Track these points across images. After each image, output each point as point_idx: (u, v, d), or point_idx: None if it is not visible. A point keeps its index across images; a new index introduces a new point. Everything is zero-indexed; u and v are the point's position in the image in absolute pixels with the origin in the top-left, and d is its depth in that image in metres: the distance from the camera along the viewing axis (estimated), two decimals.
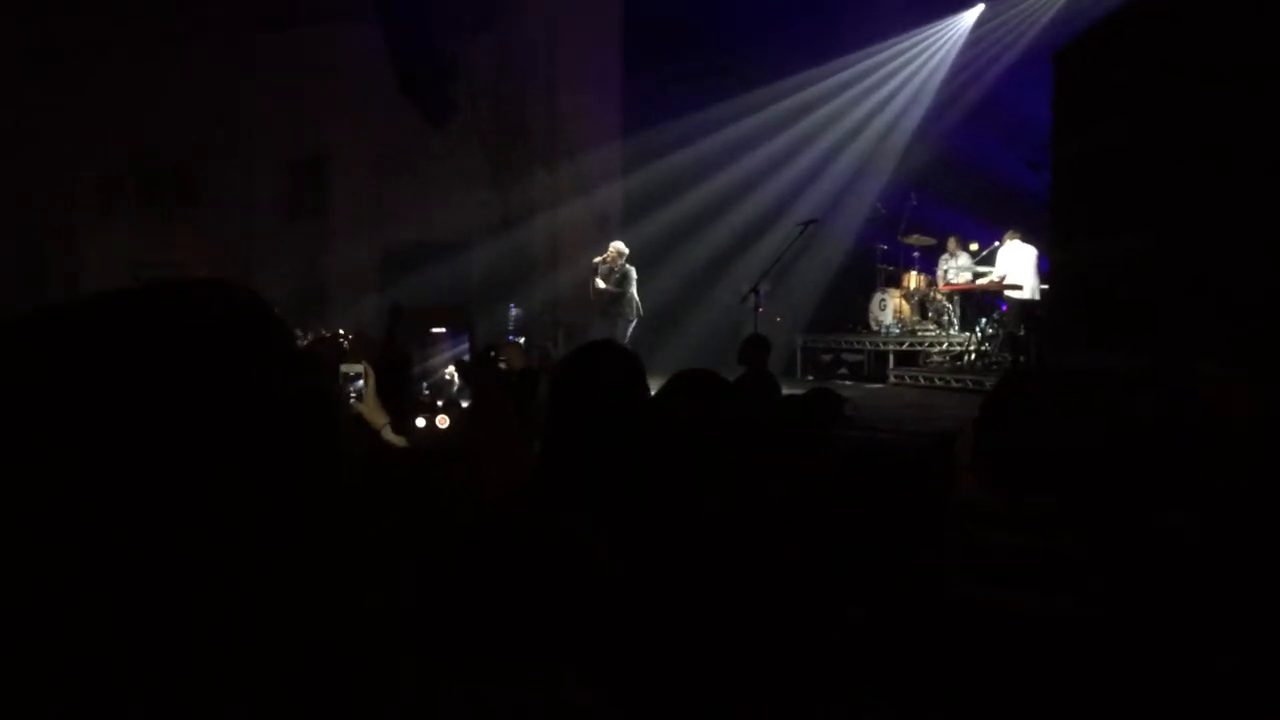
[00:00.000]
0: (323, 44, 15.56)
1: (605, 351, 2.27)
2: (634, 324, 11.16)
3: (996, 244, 12.14)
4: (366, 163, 16.11)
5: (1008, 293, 11.59)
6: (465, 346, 8.19)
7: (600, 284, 11.18)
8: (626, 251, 11.28)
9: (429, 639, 0.67)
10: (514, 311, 13.67)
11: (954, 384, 11.03)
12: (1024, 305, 11.30)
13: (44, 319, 0.62)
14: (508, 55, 15.88)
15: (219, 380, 0.61)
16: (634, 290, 11.14)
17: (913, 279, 13.46)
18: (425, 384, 8.27)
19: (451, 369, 8.15)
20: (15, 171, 16.20)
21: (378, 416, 2.94)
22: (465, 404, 6.99)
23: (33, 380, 0.57)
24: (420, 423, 6.09)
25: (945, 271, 13.10)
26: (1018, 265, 11.63)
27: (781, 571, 2.42)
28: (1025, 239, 11.55)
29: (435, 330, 8.38)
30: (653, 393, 2.32)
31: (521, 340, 10.47)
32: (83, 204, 16.71)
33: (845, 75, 14.81)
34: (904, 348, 12.90)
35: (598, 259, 11.34)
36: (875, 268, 13.91)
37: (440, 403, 6.89)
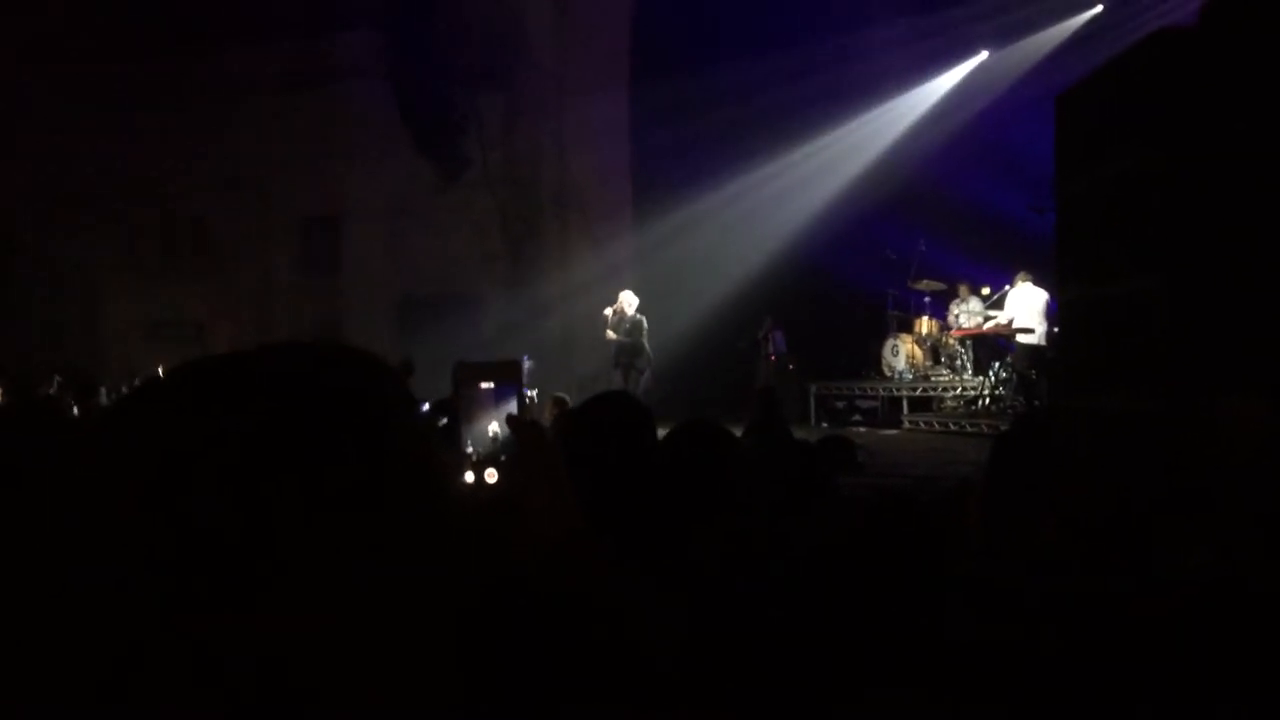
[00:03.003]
0: (336, 100, 15.83)
1: (613, 404, 2.32)
2: (647, 373, 11.20)
3: (1007, 287, 12.20)
4: (381, 217, 16.30)
5: (1018, 337, 11.61)
6: (513, 401, 8.18)
7: (611, 334, 11.25)
8: (636, 301, 11.35)
9: (478, 692, 0.71)
10: (528, 363, 13.73)
11: (969, 428, 11.02)
12: (1032, 349, 11.33)
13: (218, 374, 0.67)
14: (518, 108, 16.13)
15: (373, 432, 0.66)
16: (645, 340, 11.20)
17: (924, 324, 13.49)
18: (470, 440, 8.22)
19: (495, 426, 8.13)
20: (38, 228, 16.49)
21: None
22: (504, 459, 7.00)
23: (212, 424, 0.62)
24: (469, 478, 6.10)
25: (957, 316, 13.14)
26: (1026, 308, 11.66)
27: (792, 621, 2.44)
28: (1037, 282, 11.60)
29: (483, 386, 8.37)
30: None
31: (534, 392, 10.51)
32: (103, 261, 16.95)
33: (854, 123, 14.97)
34: (917, 393, 12.90)
35: (608, 310, 11.42)
36: (886, 314, 13.96)
37: (475, 457, 6.91)
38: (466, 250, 16.26)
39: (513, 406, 7.96)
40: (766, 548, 2.66)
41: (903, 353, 13.30)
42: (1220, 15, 6.20)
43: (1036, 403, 10.77)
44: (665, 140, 14.18)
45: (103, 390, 10.55)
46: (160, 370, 0.76)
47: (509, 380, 8.37)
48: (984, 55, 14.51)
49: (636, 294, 11.60)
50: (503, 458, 6.81)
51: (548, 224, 16.44)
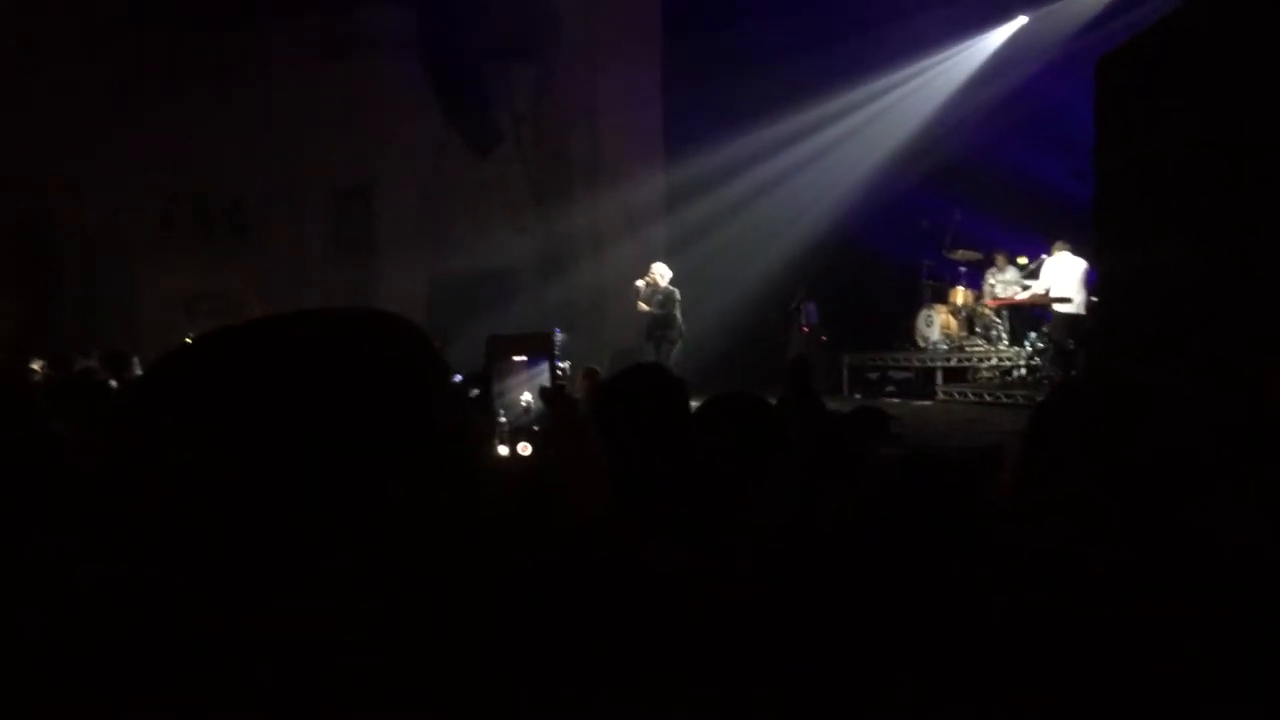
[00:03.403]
0: (368, 75, 15.84)
1: (647, 375, 2.31)
2: (678, 345, 11.19)
3: (1044, 256, 12.03)
4: (413, 192, 16.33)
5: (1055, 306, 11.46)
6: (544, 371, 8.23)
7: (643, 306, 11.24)
8: (669, 274, 11.33)
9: (517, 662, 0.70)
10: (559, 336, 13.73)
11: (1004, 399, 10.91)
12: (1070, 318, 11.18)
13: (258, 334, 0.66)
14: (550, 83, 16.06)
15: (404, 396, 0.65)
16: (678, 312, 11.18)
17: (959, 294, 13.34)
18: (502, 411, 8.28)
19: (527, 396, 8.19)
20: (71, 204, 16.68)
21: None
22: (536, 429, 7.03)
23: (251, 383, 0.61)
24: (503, 450, 6.14)
25: (993, 286, 12.99)
26: (1064, 277, 11.50)
27: (839, 588, 2.42)
28: (1075, 251, 11.41)
29: (515, 358, 8.42)
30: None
31: (566, 364, 10.53)
32: (139, 236, 17.13)
33: (889, 91, 14.77)
34: (952, 364, 12.78)
35: (640, 282, 11.40)
36: (921, 284, 13.81)
37: (508, 427, 6.93)
38: (498, 223, 16.27)
39: (545, 377, 8.00)
40: (802, 519, 2.64)
41: (937, 323, 13.17)
42: None
43: (1074, 373, 10.64)
44: (698, 107, 14.06)
45: (135, 362, 10.70)
46: (188, 338, 0.74)
47: (541, 352, 8.38)
48: (1023, 20, 14.23)
49: (669, 264, 11.57)
50: (535, 428, 6.82)
51: (579, 196, 16.39)
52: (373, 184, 16.69)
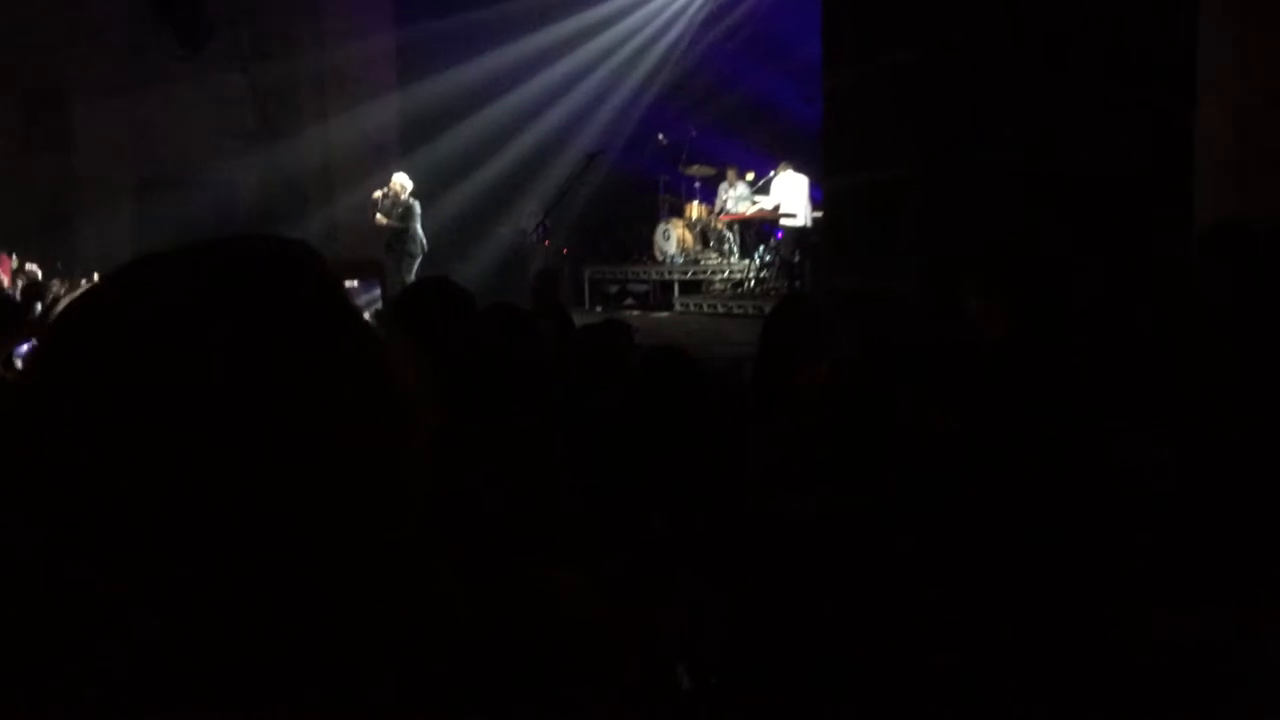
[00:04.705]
0: None
1: (438, 289, 2.29)
2: (419, 260, 10.93)
3: (772, 174, 12.67)
4: (115, 91, 14.87)
5: (783, 221, 12.15)
6: (377, 295, 7.94)
7: (382, 219, 10.87)
8: (410, 186, 10.98)
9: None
10: None
11: (736, 310, 11.47)
12: (798, 232, 11.89)
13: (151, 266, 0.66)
14: None
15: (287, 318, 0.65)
16: (418, 225, 10.88)
17: (694, 209, 13.80)
18: None
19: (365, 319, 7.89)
20: None
21: None
22: None
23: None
24: None
25: (725, 201, 13.53)
26: (791, 194, 12.22)
27: (604, 477, 2.54)
28: (798, 169, 12.13)
29: (347, 284, 8.05)
30: None
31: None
32: None
33: (625, 6, 14.83)
34: (688, 277, 13.27)
35: (378, 193, 11.00)
36: (658, 198, 14.18)
37: None
38: (215, 128, 15.21)
39: (378, 302, 7.81)
40: (583, 420, 2.73)
41: (674, 237, 13.59)
42: None
43: (798, 284, 11.33)
44: (431, 12, 13.60)
45: None
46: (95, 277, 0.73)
47: (372, 276, 8.24)
48: None
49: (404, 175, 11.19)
50: None
51: (305, 100, 15.55)
52: (67, 83, 15.12)
